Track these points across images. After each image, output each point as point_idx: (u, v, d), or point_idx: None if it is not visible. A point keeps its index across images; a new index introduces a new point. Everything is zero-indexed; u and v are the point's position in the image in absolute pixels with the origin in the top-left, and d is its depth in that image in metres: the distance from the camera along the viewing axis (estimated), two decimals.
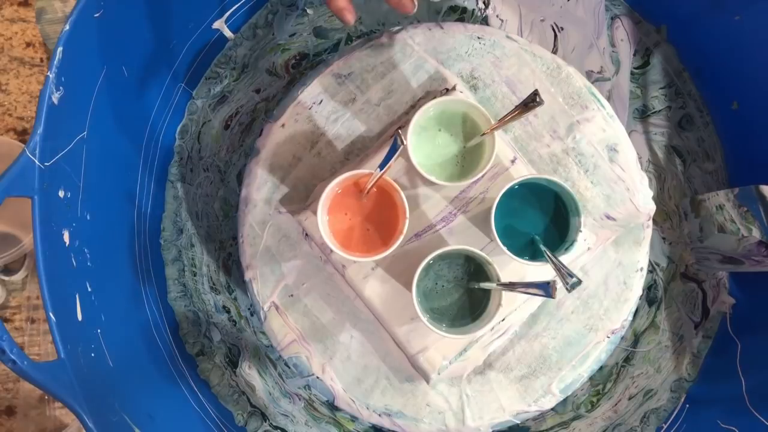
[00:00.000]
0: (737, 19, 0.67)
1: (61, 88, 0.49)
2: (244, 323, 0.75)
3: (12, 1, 0.77)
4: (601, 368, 0.64)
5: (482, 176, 0.57)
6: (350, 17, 0.54)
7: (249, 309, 0.75)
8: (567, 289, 0.48)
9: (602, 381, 0.73)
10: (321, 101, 0.64)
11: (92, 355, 0.53)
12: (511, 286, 0.50)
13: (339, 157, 0.64)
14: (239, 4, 0.73)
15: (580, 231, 0.54)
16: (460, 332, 0.55)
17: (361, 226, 0.57)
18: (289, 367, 0.73)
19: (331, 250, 0.55)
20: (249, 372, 0.73)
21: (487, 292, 0.56)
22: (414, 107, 0.63)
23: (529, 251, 0.56)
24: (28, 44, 0.77)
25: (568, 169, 0.63)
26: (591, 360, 0.62)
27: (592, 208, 0.63)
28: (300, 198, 0.63)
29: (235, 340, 0.74)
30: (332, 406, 0.73)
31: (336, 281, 0.62)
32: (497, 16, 0.76)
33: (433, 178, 0.54)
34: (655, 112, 0.76)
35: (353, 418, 0.73)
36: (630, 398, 0.73)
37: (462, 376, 0.62)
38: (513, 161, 0.61)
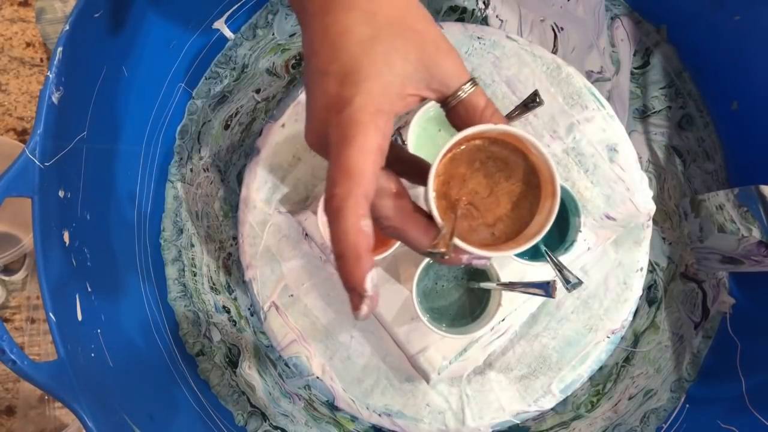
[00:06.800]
0: (737, 19, 0.66)
1: (61, 88, 0.49)
2: (244, 323, 0.75)
3: (12, 1, 0.77)
4: (601, 368, 0.64)
5: None
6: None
7: (249, 309, 0.75)
8: (567, 289, 0.48)
9: (602, 381, 0.73)
10: None
11: (92, 355, 0.53)
12: (511, 286, 0.50)
13: None
14: (239, 4, 0.73)
15: (580, 231, 0.54)
16: (460, 332, 0.54)
17: None
18: (289, 367, 0.73)
19: (331, 250, 0.55)
20: (249, 372, 0.73)
21: (487, 292, 0.56)
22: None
23: (529, 251, 0.56)
24: (28, 44, 0.77)
25: (568, 169, 0.63)
26: (591, 360, 0.62)
27: (592, 208, 0.62)
28: (300, 198, 0.63)
29: (235, 340, 0.74)
30: (332, 406, 0.73)
31: (336, 281, 0.62)
32: (497, 16, 0.76)
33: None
34: (655, 112, 0.76)
35: (353, 418, 0.73)
36: (630, 398, 0.73)
37: (462, 376, 0.62)
38: None
